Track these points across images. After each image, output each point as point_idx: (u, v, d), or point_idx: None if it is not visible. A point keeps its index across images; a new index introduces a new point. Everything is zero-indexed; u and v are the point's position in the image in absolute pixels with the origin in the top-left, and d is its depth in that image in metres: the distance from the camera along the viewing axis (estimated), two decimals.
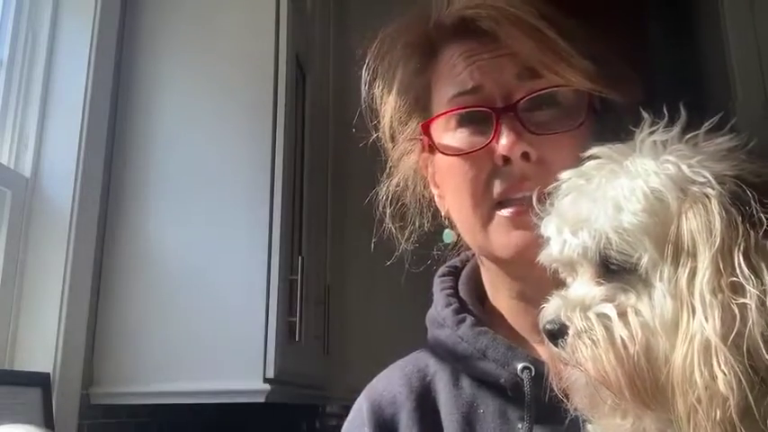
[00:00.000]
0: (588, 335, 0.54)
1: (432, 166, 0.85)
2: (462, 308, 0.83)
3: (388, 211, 0.88)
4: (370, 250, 1.00)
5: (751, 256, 0.50)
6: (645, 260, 0.54)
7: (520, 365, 0.74)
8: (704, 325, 0.48)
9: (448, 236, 0.88)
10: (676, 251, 0.52)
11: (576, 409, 0.63)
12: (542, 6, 0.77)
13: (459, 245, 0.89)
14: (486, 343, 0.77)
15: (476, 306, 0.84)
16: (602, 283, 0.57)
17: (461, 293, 0.86)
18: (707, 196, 0.53)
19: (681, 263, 0.52)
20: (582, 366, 0.56)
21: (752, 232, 0.50)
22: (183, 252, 1.70)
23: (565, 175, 0.64)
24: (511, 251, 0.74)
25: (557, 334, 0.58)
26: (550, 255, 0.63)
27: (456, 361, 0.80)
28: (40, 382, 1.44)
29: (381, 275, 1.03)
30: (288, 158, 1.76)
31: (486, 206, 0.76)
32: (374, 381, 0.86)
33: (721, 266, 0.50)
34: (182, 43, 1.86)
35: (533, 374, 0.73)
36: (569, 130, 0.74)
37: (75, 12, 1.72)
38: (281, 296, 1.65)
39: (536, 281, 0.70)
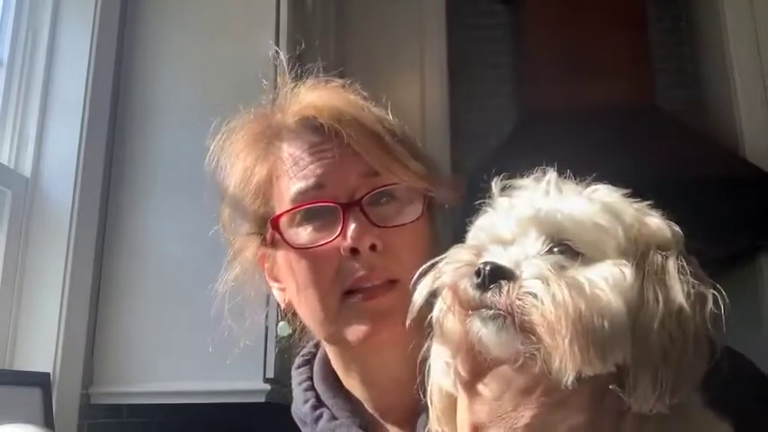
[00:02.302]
0: (550, 279, 0.55)
1: (270, 260, 0.86)
2: (318, 401, 0.85)
3: (226, 306, 0.90)
4: None
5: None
6: (608, 248, 0.58)
7: None
8: (679, 295, 0.56)
9: (283, 329, 0.90)
10: (643, 248, 0.59)
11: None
12: (377, 112, 0.83)
13: (300, 335, 0.91)
14: None
15: (333, 392, 0.85)
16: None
17: (316, 384, 0.87)
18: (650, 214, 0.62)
19: (649, 255, 0.58)
20: (519, 309, 0.54)
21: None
22: (183, 252, 1.70)
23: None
24: (360, 336, 0.76)
25: (496, 274, 0.55)
26: (492, 224, 0.62)
27: None
28: (40, 381, 1.44)
29: None
30: None
31: (335, 296, 0.77)
32: None
33: (684, 261, 0.59)
34: (181, 43, 1.86)
35: None
36: (410, 222, 0.79)
37: (75, 12, 1.72)
38: None
39: (382, 366, 0.76)
